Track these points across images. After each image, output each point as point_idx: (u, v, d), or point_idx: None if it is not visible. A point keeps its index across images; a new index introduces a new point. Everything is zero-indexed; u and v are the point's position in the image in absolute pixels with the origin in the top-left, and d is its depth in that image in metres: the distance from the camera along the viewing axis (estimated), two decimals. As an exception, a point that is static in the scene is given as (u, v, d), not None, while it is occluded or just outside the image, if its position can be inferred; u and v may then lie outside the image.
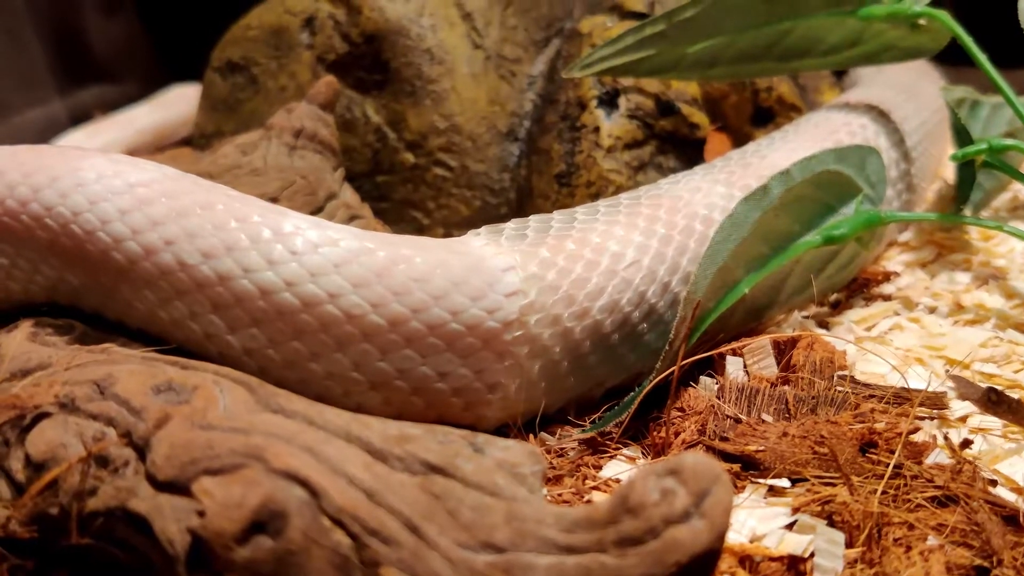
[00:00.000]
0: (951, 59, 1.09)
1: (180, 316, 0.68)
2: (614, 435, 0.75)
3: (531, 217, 0.80)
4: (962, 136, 1.00)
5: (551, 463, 0.73)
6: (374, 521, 0.51)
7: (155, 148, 1.42)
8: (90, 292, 0.72)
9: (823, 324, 0.91)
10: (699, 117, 1.14)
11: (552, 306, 0.73)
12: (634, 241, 0.78)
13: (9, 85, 1.37)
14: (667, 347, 0.74)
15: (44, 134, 1.39)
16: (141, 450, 0.56)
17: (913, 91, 1.14)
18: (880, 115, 1.03)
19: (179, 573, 0.51)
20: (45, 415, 0.59)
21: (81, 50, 1.53)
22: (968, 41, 0.98)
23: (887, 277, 1.00)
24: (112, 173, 0.70)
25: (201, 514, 0.51)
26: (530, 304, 0.72)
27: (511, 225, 0.78)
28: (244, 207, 0.69)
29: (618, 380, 0.80)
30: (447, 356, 0.69)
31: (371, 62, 1.19)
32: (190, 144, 1.34)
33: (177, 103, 1.51)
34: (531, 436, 0.75)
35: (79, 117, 1.46)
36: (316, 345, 0.67)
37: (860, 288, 0.98)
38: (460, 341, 0.69)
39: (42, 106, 1.42)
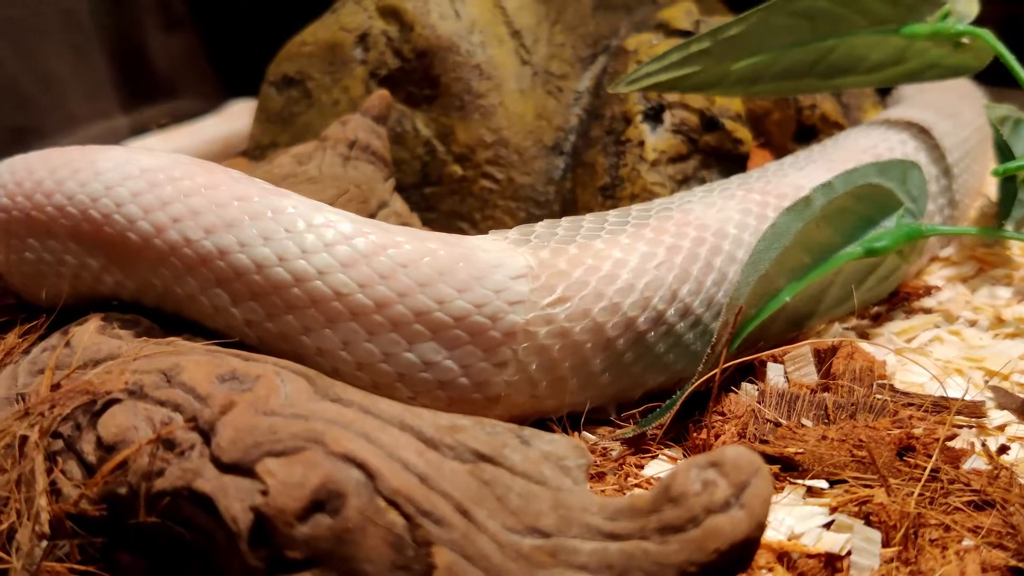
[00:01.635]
0: (994, 79, 1.11)
1: (192, 291, 0.72)
2: (656, 436, 0.77)
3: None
4: (1004, 153, 1.01)
5: (595, 462, 0.75)
6: (427, 503, 0.53)
7: (221, 157, 1.47)
8: (109, 274, 0.76)
9: (864, 335, 0.93)
10: (743, 133, 1.16)
11: (565, 292, 0.74)
12: (665, 242, 0.80)
13: (75, 99, 1.43)
14: (709, 351, 0.76)
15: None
16: (206, 434, 0.59)
17: (954, 109, 1.15)
18: (920, 131, 1.05)
19: (241, 550, 0.54)
20: (115, 401, 0.63)
21: (143, 66, 1.58)
22: (1011, 60, 0.99)
23: (928, 291, 1.01)
24: (127, 161, 0.75)
25: (264, 493, 0.53)
26: (540, 287, 0.73)
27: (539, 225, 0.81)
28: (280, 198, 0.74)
29: (655, 383, 0.81)
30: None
31: (422, 77, 1.23)
32: (245, 156, 1.38)
33: (243, 116, 1.55)
34: (576, 434, 0.77)
35: (140, 130, 1.51)
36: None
37: (901, 301, 0.99)
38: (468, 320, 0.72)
39: (106, 119, 1.47)
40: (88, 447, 0.62)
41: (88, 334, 0.71)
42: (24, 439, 0.63)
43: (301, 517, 0.52)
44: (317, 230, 0.71)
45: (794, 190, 0.88)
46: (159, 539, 0.59)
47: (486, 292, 0.72)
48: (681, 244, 0.80)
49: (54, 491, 0.61)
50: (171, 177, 0.73)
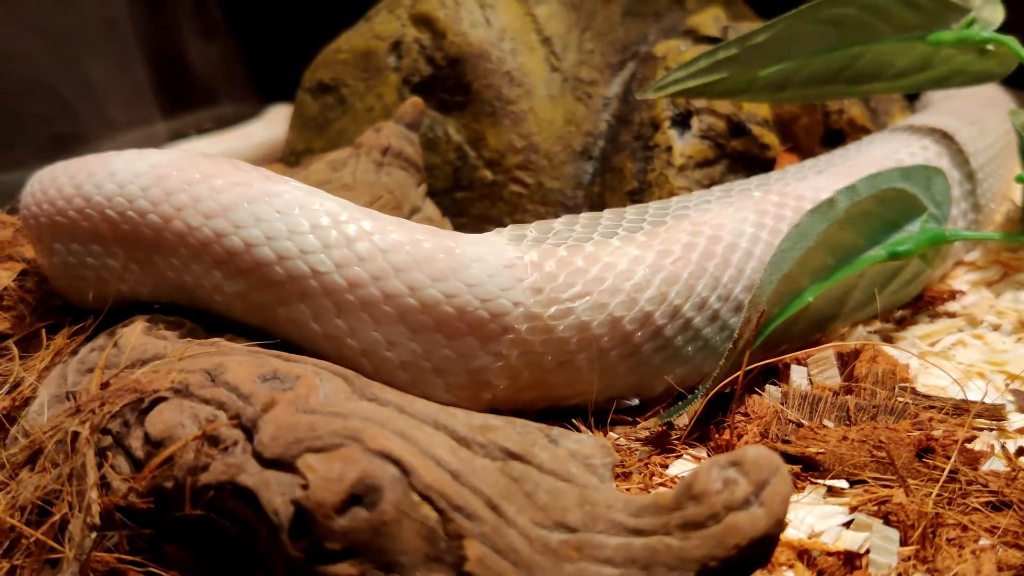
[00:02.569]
0: (1020, 84, 1.11)
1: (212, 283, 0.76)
2: (681, 436, 0.79)
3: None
4: (1028, 159, 1.02)
5: (621, 461, 0.77)
6: (459, 498, 0.56)
7: (264, 162, 1.50)
8: (128, 271, 0.80)
9: (887, 339, 0.94)
10: (770, 138, 1.17)
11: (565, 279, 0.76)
12: (680, 240, 0.82)
13: (116, 105, 1.47)
14: (731, 347, 0.78)
15: (147, 152, 1.48)
16: (249, 431, 0.61)
17: (979, 114, 1.16)
18: (943, 137, 1.06)
19: (283, 541, 0.57)
20: (162, 399, 0.66)
21: (181, 72, 1.62)
22: (1035, 66, 1.00)
23: (952, 295, 1.02)
24: (138, 158, 0.79)
25: (304, 487, 0.56)
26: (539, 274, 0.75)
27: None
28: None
29: (671, 379, 0.83)
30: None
31: (454, 84, 1.25)
32: (281, 162, 1.41)
33: (286, 121, 1.59)
34: (601, 434, 0.79)
35: (179, 136, 1.55)
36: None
37: (925, 306, 1.00)
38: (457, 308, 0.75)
39: (146, 125, 1.52)
40: (136, 443, 0.65)
41: (135, 335, 0.75)
42: (75, 435, 0.66)
43: (340, 510, 0.55)
44: (310, 215, 0.75)
45: (813, 193, 0.90)
46: (204, 531, 0.62)
47: (458, 284, 0.74)
48: (697, 242, 0.82)
49: (104, 485, 0.64)
50: (179, 168, 0.77)
